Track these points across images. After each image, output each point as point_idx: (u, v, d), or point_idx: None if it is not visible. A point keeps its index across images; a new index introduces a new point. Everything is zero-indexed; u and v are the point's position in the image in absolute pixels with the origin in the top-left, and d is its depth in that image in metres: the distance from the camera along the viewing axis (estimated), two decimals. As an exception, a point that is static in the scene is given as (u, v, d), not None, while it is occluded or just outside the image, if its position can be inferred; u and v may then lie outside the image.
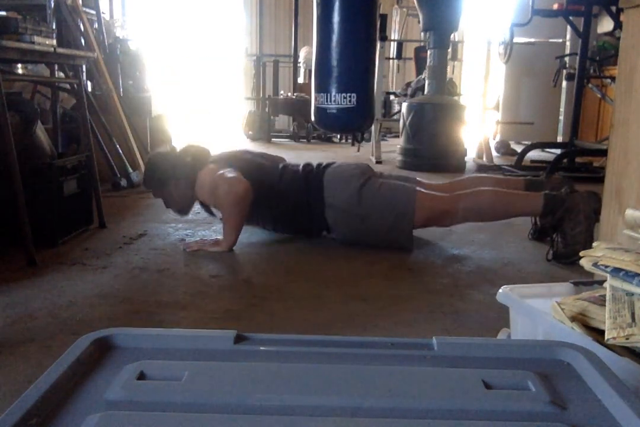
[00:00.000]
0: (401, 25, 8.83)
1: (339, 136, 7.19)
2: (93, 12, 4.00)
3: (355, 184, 2.28)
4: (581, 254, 1.09)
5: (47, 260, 2.08)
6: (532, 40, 6.19)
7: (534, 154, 5.37)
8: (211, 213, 2.55)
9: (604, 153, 2.41)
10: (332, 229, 2.36)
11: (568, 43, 5.97)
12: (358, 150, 5.99)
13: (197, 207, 3.01)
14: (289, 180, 2.36)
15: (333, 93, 4.15)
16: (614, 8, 4.35)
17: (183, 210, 2.51)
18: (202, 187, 2.30)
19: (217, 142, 5.85)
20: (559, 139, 5.77)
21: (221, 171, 2.26)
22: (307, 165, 2.42)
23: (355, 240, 2.35)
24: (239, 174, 2.25)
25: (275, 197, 2.35)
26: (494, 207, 2.22)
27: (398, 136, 5.41)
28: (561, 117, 5.82)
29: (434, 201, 2.24)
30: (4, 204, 2.09)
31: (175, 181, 2.37)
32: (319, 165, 2.41)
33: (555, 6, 4.82)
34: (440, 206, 2.24)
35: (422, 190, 2.28)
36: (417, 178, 2.53)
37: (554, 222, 2.17)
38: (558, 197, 2.16)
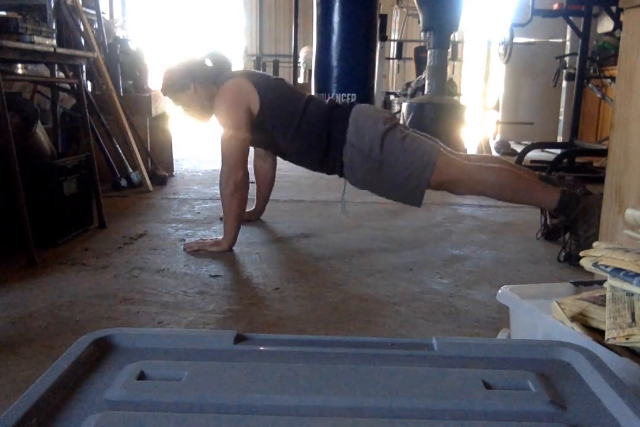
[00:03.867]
0: (401, 25, 8.83)
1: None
2: (93, 12, 3.99)
3: (381, 127, 2.20)
4: (581, 254, 1.09)
5: (47, 260, 2.08)
6: (532, 40, 6.19)
7: (534, 154, 5.37)
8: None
9: (604, 153, 2.41)
10: (346, 168, 2.26)
11: (568, 43, 5.97)
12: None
13: (196, 207, 3.02)
14: (313, 109, 2.29)
15: (333, 93, 4.14)
16: (614, 8, 4.35)
17: (202, 117, 2.43)
18: (218, 106, 2.26)
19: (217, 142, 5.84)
20: (559, 139, 5.76)
21: (237, 116, 2.22)
22: (333, 101, 2.38)
23: (365, 184, 2.28)
24: (248, 134, 2.22)
25: (296, 124, 2.27)
26: (512, 188, 2.16)
27: (398, 136, 5.40)
28: (561, 117, 5.82)
29: (453, 165, 2.18)
30: (4, 204, 2.09)
31: (195, 87, 2.31)
32: (345, 102, 2.37)
33: (555, 6, 4.82)
34: (461, 173, 2.18)
35: (445, 152, 2.22)
36: (440, 143, 2.46)
37: (568, 222, 2.15)
38: (574, 196, 2.14)
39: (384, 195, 2.30)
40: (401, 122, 4.96)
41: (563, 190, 2.15)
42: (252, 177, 2.46)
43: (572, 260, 2.11)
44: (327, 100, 2.38)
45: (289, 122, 2.27)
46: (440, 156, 2.18)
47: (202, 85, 2.31)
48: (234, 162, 2.23)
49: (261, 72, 2.50)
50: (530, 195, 2.19)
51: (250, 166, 2.42)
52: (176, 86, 2.34)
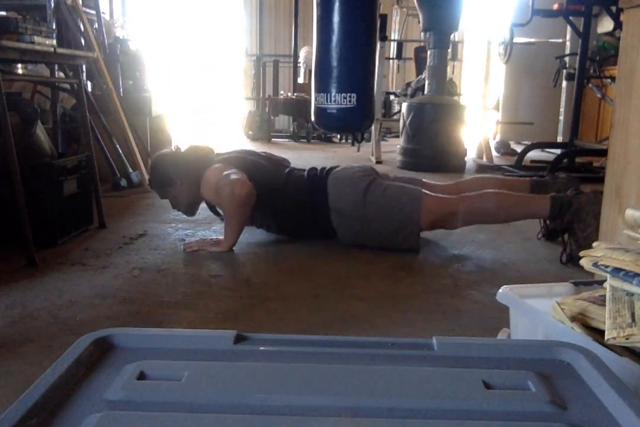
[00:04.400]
0: (401, 25, 8.83)
1: (339, 136, 7.19)
2: (93, 12, 3.99)
3: (360, 186, 2.26)
4: (581, 254, 1.09)
5: (47, 260, 2.08)
6: (532, 40, 6.18)
7: (534, 154, 5.37)
8: (216, 213, 2.55)
9: (604, 153, 2.41)
10: (337, 233, 2.34)
11: (568, 43, 5.97)
12: (358, 150, 5.99)
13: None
14: (294, 184, 2.36)
15: (333, 93, 4.14)
16: (614, 8, 4.35)
17: (189, 210, 2.50)
18: (207, 187, 2.29)
19: (217, 142, 5.84)
20: (559, 139, 5.76)
21: (226, 172, 2.25)
22: (312, 170, 2.42)
23: (359, 243, 2.33)
24: (244, 175, 2.24)
25: (280, 201, 2.34)
26: (501, 210, 2.20)
27: (398, 136, 5.41)
28: (561, 117, 5.82)
29: (440, 204, 2.23)
30: (4, 204, 2.09)
31: (180, 181, 2.37)
32: (323, 169, 2.41)
33: (555, 6, 4.82)
34: (447, 209, 2.22)
35: (428, 192, 2.27)
36: (423, 179, 2.52)
37: (564, 225, 2.16)
38: (565, 200, 2.15)
39: (382, 247, 2.32)
40: (401, 122, 4.96)
41: (552, 197, 2.18)
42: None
43: (574, 261, 2.11)
44: (305, 173, 2.40)
45: (274, 203, 2.33)
46: (425, 199, 2.22)
47: (187, 178, 2.36)
48: (236, 184, 2.19)
49: (240, 151, 2.54)
50: (522, 211, 2.23)
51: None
52: (163, 182, 2.41)
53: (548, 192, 2.27)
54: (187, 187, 2.37)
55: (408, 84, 6.45)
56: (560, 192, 2.26)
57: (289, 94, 7.60)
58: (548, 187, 2.37)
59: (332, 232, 2.36)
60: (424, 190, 2.28)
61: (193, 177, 2.34)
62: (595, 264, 1.02)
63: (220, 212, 2.50)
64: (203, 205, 2.66)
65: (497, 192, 2.24)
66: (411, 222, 2.22)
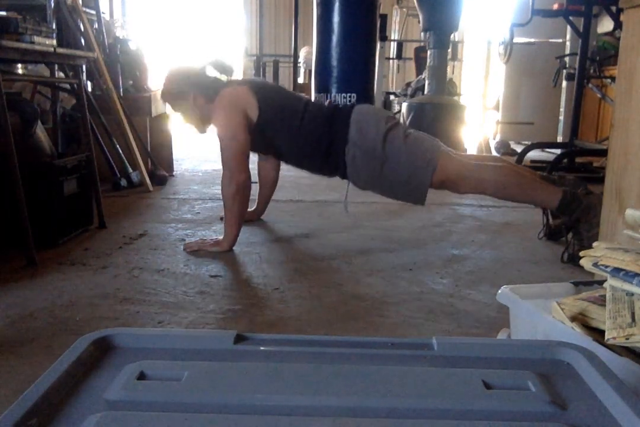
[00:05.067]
0: (401, 25, 8.83)
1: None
2: (93, 12, 3.99)
3: (383, 126, 2.21)
4: (581, 254, 1.09)
5: (47, 260, 2.08)
6: (532, 40, 6.19)
7: (534, 154, 5.37)
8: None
9: (604, 153, 2.41)
10: (348, 168, 2.25)
11: (568, 43, 5.97)
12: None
13: (196, 207, 3.02)
14: (314, 110, 2.31)
15: (333, 93, 4.14)
16: (614, 8, 4.35)
17: (201, 126, 2.45)
18: (217, 114, 2.27)
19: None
20: (559, 139, 5.77)
21: (235, 123, 2.22)
22: (333, 102, 2.40)
23: (368, 184, 2.28)
24: (247, 136, 2.22)
25: (296, 126, 2.28)
26: (514, 186, 2.16)
27: (398, 136, 5.40)
28: (561, 117, 5.82)
29: (457, 164, 2.18)
30: (4, 204, 2.09)
31: (194, 95, 2.32)
32: (346, 103, 2.39)
33: (555, 6, 4.82)
34: (463, 171, 2.17)
35: (446, 150, 2.23)
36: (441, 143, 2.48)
37: (570, 223, 2.15)
38: (576, 196, 2.14)
39: (387, 194, 2.30)
40: (401, 122, 4.96)
41: (565, 190, 2.15)
42: (254, 178, 2.47)
43: (575, 260, 2.11)
44: (327, 102, 2.39)
45: (289, 126, 2.28)
46: (442, 155, 2.18)
47: (201, 93, 2.32)
48: (235, 166, 2.22)
49: (260, 79, 2.52)
50: (532, 194, 2.19)
51: (253, 166, 2.43)
52: (176, 94, 2.36)
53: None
54: (200, 102, 2.32)
55: (408, 84, 6.45)
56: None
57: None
58: (556, 184, 2.36)
59: (343, 166, 2.26)
60: (442, 147, 2.24)
61: (208, 93, 2.30)
62: (595, 264, 1.02)
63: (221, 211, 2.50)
64: (204, 206, 2.67)
65: (515, 169, 2.22)
66: (424, 174, 2.16)
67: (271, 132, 2.29)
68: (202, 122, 2.42)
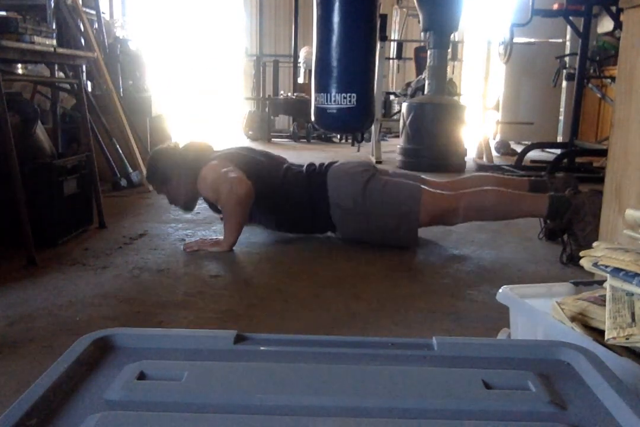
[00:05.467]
0: (401, 25, 8.83)
1: (339, 136, 7.19)
2: (93, 12, 4.00)
3: (359, 181, 2.26)
4: (581, 254, 1.09)
5: (47, 260, 2.08)
6: (532, 40, 6.19)
7: (534, 154, 5.37)
8: (216, 210, 2.55)
9: (604, 153, 2.41)
10: (337, 228, 2.35)
11: (568, 43, 5.97)
12: (358, 150, 5.99)
13: (197, 207, 3.02)
14: (292, 180, 2.36)
15: (333, 93, 4.14)
16: (614, 8, 4.35)
17: (187, 206, 2.50)
18: (204, 184, 2.29)
19: (217, 142, 5.84)
20: (559, 139, 5.77)
21: (224, 169, 2.25)
22: (310, 166, 2.43)
23: (359, 238, 2.35)
24: (241, 173, 2.24)
25: (278, 197, 2.35)
26: (499, 207, 2.21)
27: (398, 136, 5.41)
28: (561, 117, 5.82)
29: (439, 200, 2.23)
30: (4, 204, 2.09)
31: (178, 177, 2.37)
32: (322, 164, 2.42)
33: (555, 6, 4.82)
34: (445, 205, 2.23)
35: (427, 188, 2.27)
36: (422, 176, 2.53)
37: (563, 225, 2.16)
38: (563, 199, 2.15)
39: (381, 242, 2.33)
40: (401, 122, 4.96)
41: (550, 196, 2.18)
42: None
43: (575, 261, 2.11)
44: (304, 168, 2.40)
45: (272, 198, 2.33)
46: (424, 195, 2.23)
47: (184, 174, 2.36)
48: (235, 183, 2.19)
49: (237, 149, 2.54)
50: (520, 209, 2.23)
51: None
52: (160, 178, 2.41)
53: (546, 192, 2.28)
54: (184, 183, 2.37)
55: (408, 84, 6.45)
56: (558, 192, 2.26)
57: (289, 94, 7.60)
58: (547, 186, 2.37)
59: (332, 227, 2.37)
60: (422, 186, 2.28)
61: (191, 173, 2.33)
62: (595, 264, 1.02)
63: (220, 208, 2.50)
64: (204, 206, 2.67)
65: (496, 190, 2.25)
66: (410, 218, 2.22)
67: (256, 206, 2.31)
68: (188, 202, 2.47)
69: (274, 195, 2.34)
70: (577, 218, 2.11)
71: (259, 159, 2.47)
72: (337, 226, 2.34)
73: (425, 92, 5.04)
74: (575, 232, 2.13)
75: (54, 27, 3.17)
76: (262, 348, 0.76)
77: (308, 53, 7.87)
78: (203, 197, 2.45)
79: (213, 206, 2.53)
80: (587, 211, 2.09)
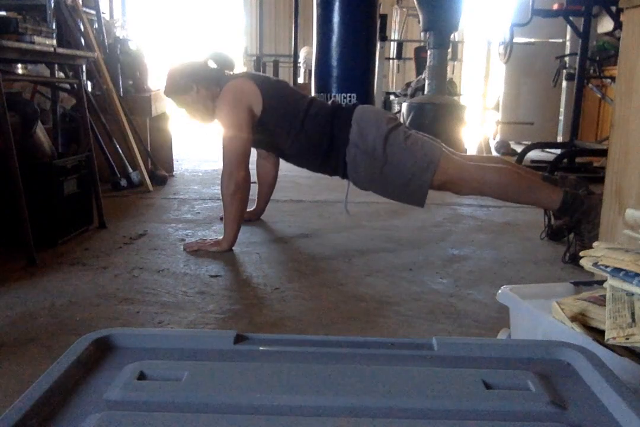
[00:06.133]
0: (401, 25, 8.84)
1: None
2: (93, 12, 3.99)
3: (384, 127, 2.21)
4: (581, 254, 1.09)
5: (47, 260, 2.08)
6: (532, 40, 6.19)
7: (534, 154, 5.37)
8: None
9: (604, 153, 2.41)
10: (349, 168, 2.26)
11: (568, 43, 5.97)
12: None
13: (196, 207, 3.02)
14: (316, 110, 2.30)
15: (333, 93, 4.14)
16: (614, 8, 4.35)
17: (206, 118, 2.43)
18: (221, 105, 2.26)
19: (217, 142, 5.85)
20: (559, 139, 5.76)
21: (238, 119, 2.22)
22: (336, 101, 2.39)
23: (368, 184, 2.29)
24: (247, 144, 2.23)
25: (299, 124, 2.28)
26: (515, 188, 2.16)
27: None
28: (561, 117, 5.81)
29: (457, 166, 2.18)
30: (4, 204, 2.09)
31: (197, 88, 2.31)
32: (348, 103, 2.39)
33: (555, 6, 4.82)
34: (463, 173, 2.18)
35: (448, 153, 2.23)
36: (443, 144, 2.48)
37: (572, 223, 2.15)
38: (577, 197, 2.13)
39: (387, 195, 2.30)
40: (402, 123, 4.96)
41: (565, 191, 2.15)
42: (253, 177, 2.47)
43: (577, 260, 2.10)
44: (329, 102, 2.39)
45: (291, 123, 2.28)
46: (443, 156, 2.18)
47: (204, 86, 2.31)
48: (235, 163, 2.22)
49: (263, 74, 2.52)
50: (533, 195, 2.19)
51: (253, 166, 2.43)
52: (179, 88, 2.34)
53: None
54: (205, 95, 2.32)
55: (408, 84, 6.45)
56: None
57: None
58: (558, 185, 2.36)
59: (343, 166, 2.27)
60: (443, 148, 2.24)
61: (212, 85, 2.30)
62: (595, 264, 1.02)
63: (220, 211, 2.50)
64: (204, 205, 2.67)
65: (515, 171, 2.21)
66: (424, 176, 2.17)
67: (273, 129, 2.29)
68: (206, 115, 2.40)
69: (296, 120, 2.27)
70: (587, 219, 2.10)
71: (285, 83, 2.44)
72: (350, 166, 2.25)
73: (425, 92, 5.05)
74: (582, 232, 2.12)
75: (54, 27, 3.16)
76: (262, 348, 0.76)
77: (308, 53, 7.88)
78: None
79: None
80: (598, 213, 2.07)
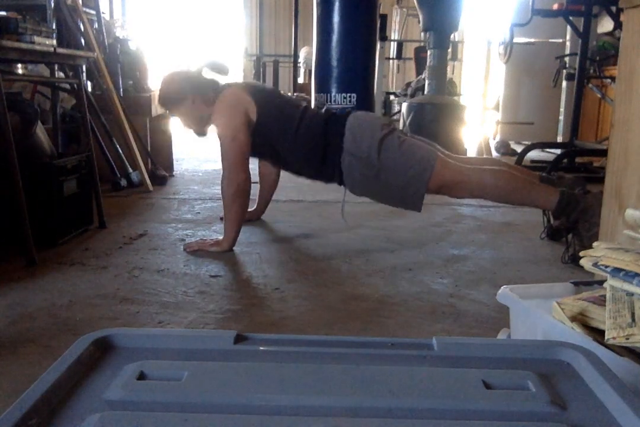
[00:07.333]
0: (401, 25, 8.84)
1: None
2: (93, 12, 3.99)
3: (378, 134, 2.21)
4: (581, 254, 1.09)
5: (47, 260, 2.08)
6: (532, 40, 6.19)
7: (534, 154, 5.37)
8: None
9: (604, 153, 2.41)
10: (345, 175, 2.26)
11: (568, 43, 5.97)
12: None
13: (196, 207, 3.02)
14: (310, 118, 2.30)
15: (333, 93, 4.14)
16: (614, 8, 4.35)
17: (201, 129, 2.45)
18: (217, 112, 2.27)
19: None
20: (559, 139, 5.76)
21: (234, 124, 2.23)
22: (330, 109, 2.40)
23: (364, 191, 2.29)
24: (247, 137, 2.23)
25: (292, 134, 2.28)
26: (511, 190, 2.17)
27: (398, 136, 5.40)
28: (561, 117, 5.82)
29: (453, 169, 2.18)
30: (4, 204, 2.09)
31: (194, 97, 2.32)
32: (342, 110, 2.39)
33: (555, 6, 4.82)
34: (459, 176, 2.18)
35: (443, 156, 2.23)
36: (438, 146, 2.46)
37: (569, 224, 2.15)
38: (574, 197, 2.13)
39: (384, 201, 2.32)
40: (401, 122, 4.96)
41: (562, 191, 2.15)
42: (254, 178, 2.47)
43: (577, 260, 2.10)
44: (323, 110, 2.39)
45: (286, 133, 2.29)
46: (439, 160, 2.18)
47: (199, 96, 2.33)
48: (235, 166, 2.23)
49: (256, 82, 2.53)
50: (529, 197, 2.19)
51: (253, 166, 2.43)
52: (174, 98, 2.36)
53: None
54: (200, 104, 2.32)
55: (408, 84, 6.45)
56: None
57: (289, 94, 7.61)
58: (555, 185, 2.36)
59: (339, 174, 2.27)
60: (439, 152, 2.24)
61: (208, 94, 2.30)
62: (595, 264, 1.02)
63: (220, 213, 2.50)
64: (203, 205, 2.67)
65: (510, 173, 2.21)
66: (420, 181, 2.17)
67: (269, 137, 2.30)
68: (201, 125, 2.41)
69: (290, 130, 2.28)
70: (584, 218, 2.10)
71: (279, 92, 2.45)
72: (345, 173, 2.25)
73: (425, 92, 5.04)
74: (580, 232, 2.12)
75: (54, 27, 3.16)
76: (262, 348, 0.76)
77: (308, 53, 7.88)
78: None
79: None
80: (595, 212, 2.07)
